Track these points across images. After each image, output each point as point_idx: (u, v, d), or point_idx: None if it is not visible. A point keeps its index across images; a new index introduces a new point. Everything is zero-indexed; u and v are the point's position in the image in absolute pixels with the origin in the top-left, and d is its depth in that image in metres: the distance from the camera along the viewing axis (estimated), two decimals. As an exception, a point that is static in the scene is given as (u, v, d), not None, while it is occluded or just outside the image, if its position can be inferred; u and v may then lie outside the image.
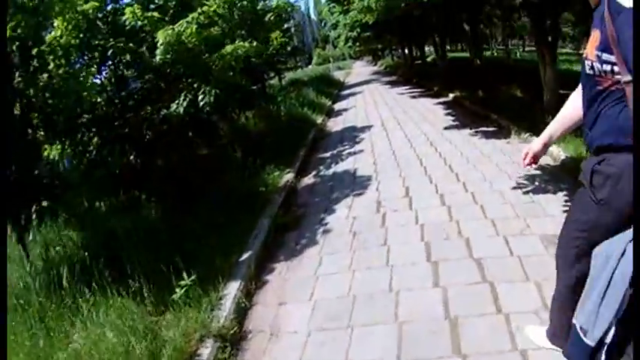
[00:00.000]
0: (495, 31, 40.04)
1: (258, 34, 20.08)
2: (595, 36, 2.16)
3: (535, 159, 2.84)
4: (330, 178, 8.17)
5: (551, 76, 9.70)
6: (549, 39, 9.96)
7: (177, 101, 8.04)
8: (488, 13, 21.58)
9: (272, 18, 20.75)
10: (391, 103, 17.53)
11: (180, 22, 7.83)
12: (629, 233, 1.99)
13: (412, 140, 9.99)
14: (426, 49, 35.23)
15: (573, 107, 2.65)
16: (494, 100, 12.42)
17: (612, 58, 2.05)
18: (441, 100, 16.35)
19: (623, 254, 1.97)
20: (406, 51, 37.41)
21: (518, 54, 44.13)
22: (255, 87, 21.25)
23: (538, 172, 6.59)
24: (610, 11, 2.01)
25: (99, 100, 7.34)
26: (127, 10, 7.65)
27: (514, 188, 6.14)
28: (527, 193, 5.93)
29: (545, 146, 2.81)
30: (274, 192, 7.30)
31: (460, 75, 18.32)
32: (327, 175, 8.45)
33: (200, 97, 8.13)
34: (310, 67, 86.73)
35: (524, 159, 2.84)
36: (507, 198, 5.81)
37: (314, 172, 8.80)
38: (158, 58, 7.56)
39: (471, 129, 10.31)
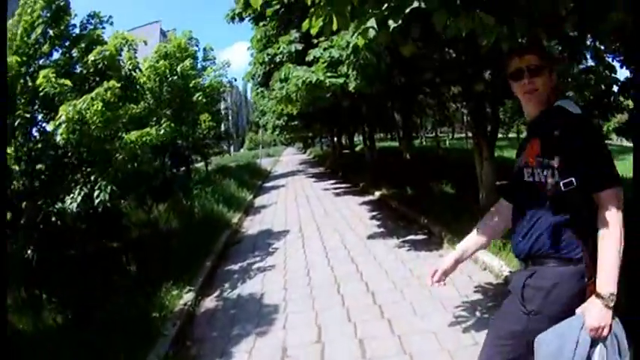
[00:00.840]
0: (425, 120, 40.53)
1: (186, 115, 19.23)
2: (534, 144, 2.40)
3: (444, 276, 2.82)
4: (234, 304, 6.87)
5: (489, 171, 8.99)
6: (488, 130, 9.31)
7: (72, 195, 7.24)
8: (421, 102, 21.35)
9: (201, 98, 20.04)
10: (314, 201, 16.48)
11: (84, 97, 7.14)
12: (574, 320, 2.18)
13: (331, 255, 8.75)
14: (356, 138, 35.10)
15: (492, 224, 2.84)
16: (424, 198, 11.59)
17: (554, 163, 2.26)
18: (367, 198, 15.49)
19: (577, 342, 2.13)
20: (335, 139, 37.22)
21: (447, 142, 44.87)
22: (177, 171, 20.21)
23: (479, 296, 5.74)
24: (559, 120, 2.31)
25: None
26: (42, 73, 7.17)
27: (452, 324, 5.10)
28: (467, 330, 4.91)
29: (457, 262, 2.83)
30: (169, 319, 6.09)
31: (388, 168, 17.74)
32: (231, 299, 7.13)
33: (96, 194, 7.18)
34: (242, 150, 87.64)
35: (432, 276, 2.81)
36: (444, 341, 4.74)
37: (218, 292, 7.53)
38: (59, 137, 6.89)
39: (398, 238, 9.35)
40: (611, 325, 2.15)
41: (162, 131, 8.35)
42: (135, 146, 7.78)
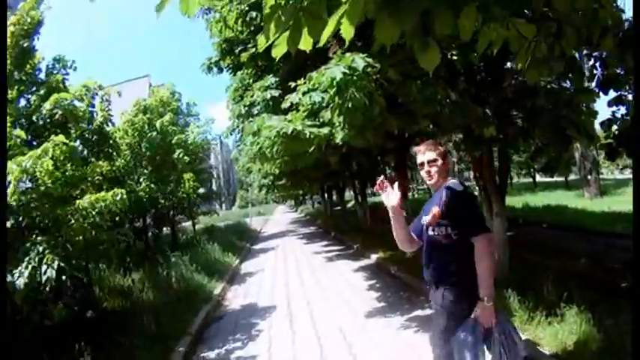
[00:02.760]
0: (416, 174, 39.55)
1: (167, 173, 18.10)
2: (435, 211, 3.62)
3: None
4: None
5: (500, 228, 8.04)
6: (497, 182, 8.27)
7: (19, 267, 6.21)
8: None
9: (182, 156, 18.92)
10: (304, 268, 14.96)
11: (30, 152, 6.44)
12: (470, 320, 3.47)
13: (323, 342, 7.21)
14: (347, 193, 34.10)
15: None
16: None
17: (447, 223, 3.58)
18: (363, 263, 14.19)
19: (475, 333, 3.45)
20: (326, 196, 36.25)
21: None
22: (159, 232, 18.89)
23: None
24: (447, 194, 3.62)
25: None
26: None
27: None
28: None
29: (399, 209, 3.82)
30: None
31: (383, 226, 15.96)
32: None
33: (43, 269, 6.21)
34: (233, 209, 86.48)
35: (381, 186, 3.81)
36: None
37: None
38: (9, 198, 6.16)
39: (402, 315, 8.06)
40: (497, 317, 3.44)
41: (118, 196, 7.25)
42: (88, 212, 6.76)
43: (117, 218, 13.88)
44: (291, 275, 13.78)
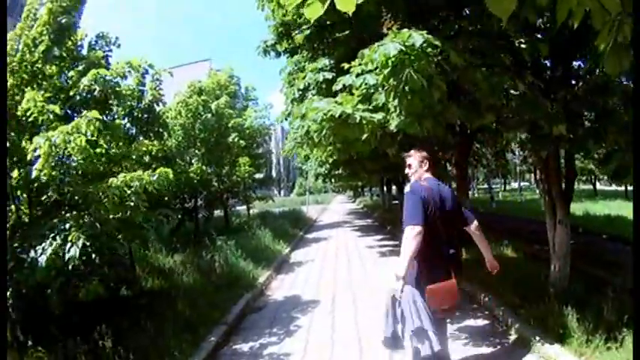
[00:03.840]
0: (477, 171, 38.39)
1: (221, 156, 17.79)
2: None
3: None
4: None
5: (563, 238, 7.28)
6: (562, 186, 7.51)
7: (43, 244, 5.85)
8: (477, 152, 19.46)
9: (237, 139, 18.61)
10: (355, 262, 14.31)
11: (61, 128, 6.06)
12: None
13: (365, 349, 6.52)
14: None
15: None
16: (482, 265, 9.41)
17: None
18: (416, 262, 13.26)
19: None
20: (385, 189, 35.51)
21: (500, 194, 42.71)
22: (210, 215, 18.57)
23: None
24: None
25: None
26: (27, 95, 6.46)
27: None
28: None
29: None
30: None
31: None
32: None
33: (67, 247, 5.81)
34: (292, 195, 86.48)
35: None
36: None
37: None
38: (34, 172, 5.92)
39: (452, 323, 7.19)
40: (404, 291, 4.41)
41: (155, 176, 6.80)
42: (122, 191, 6.37)
43: (165, 198, 13.72)
44: (341, 269, 13.17)
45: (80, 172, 6.55)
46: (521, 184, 53.50)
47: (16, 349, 5.84)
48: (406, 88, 5.20)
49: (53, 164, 5.97)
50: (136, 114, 10.70)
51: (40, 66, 7.42)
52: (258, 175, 24.41)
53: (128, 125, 10.30)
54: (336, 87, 6.75)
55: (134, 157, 8.97)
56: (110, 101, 8.30)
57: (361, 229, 25.36)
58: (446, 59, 5.56)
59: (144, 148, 9.73)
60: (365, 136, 6.68)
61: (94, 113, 6.25)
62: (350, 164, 20.88)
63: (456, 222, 4.93)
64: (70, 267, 5.80)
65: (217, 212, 21.71)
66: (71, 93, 7.61)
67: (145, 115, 10.58)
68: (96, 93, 7.57)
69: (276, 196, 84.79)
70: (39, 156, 5.89)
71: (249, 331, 7.76)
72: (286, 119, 14.03)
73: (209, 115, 17.65)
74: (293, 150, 8.28)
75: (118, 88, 8.22)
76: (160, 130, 11.42)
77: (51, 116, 6.53)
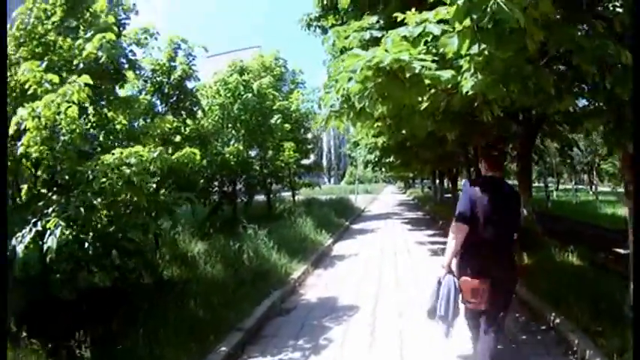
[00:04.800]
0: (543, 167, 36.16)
1: (263, 139, 16.66)
2: None
3: None
4: None
5: None
6: None
7: (22, 231, 5.04)
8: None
9: (280, 122, 17.49)
10: (402, 260, 12.71)
11: (46, 97, 5.29)
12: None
13: None
14: (460, 182, 31.78)
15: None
16: (546, 273, 8.00)
17: None
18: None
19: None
20: (437, 181, 33.93)
21: (554, 194, 40.80)
22: (250, 200, 17.47)
23: None
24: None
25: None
26: (23, 65, 5.77)
27: None
28: None
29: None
30: None
31: None
32: None
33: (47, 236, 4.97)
34: (342, 184, 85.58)
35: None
36: None
37: None
38: (20, 149, 5.27)
39: (518, 348, 5.85)
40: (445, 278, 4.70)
41: (156, 153, 5.80)
42: (122, 171, 5.40)
43: (200, 180, 12.73)
44: (387, 267, 11.60)
45: (76, 149, 5.64)
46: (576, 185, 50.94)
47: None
48: (489, 26, 3.50)
49: (39, 139, 5.22)
50: (166, 90, 10.51)
51: (52, 38, 6.70)
52: (305, 161, 23.85)
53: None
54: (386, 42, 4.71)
55: (154, 133, 7.80)
56: (124, 71, 7.47)
57: (411, 222, 23.69)
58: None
59: (166, 125, 8.61)
60: (424, 104, 5.29)
61: (85, 78, 5.43)
62: (402, 152, 19.51)
63: (509, 227, 4.79)
64: (49, 257, 5.13)
65: (261, 197, 21.03)
66: (75, 62, 6.64)
67: (175, 92, 10.47)
68: (103, 60, 6.54)
69: (325, 183, 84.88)
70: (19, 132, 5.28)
71: (270, 341, 6.44)
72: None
73: (250, 95, 16.54)
74: (327, 122, 6.02)
75: (132, 57, 7.53)
76: (193, 107, 10.51)
77: (49, 86, 5.63)
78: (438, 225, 20.41)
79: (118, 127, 7.63)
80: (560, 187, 52.70)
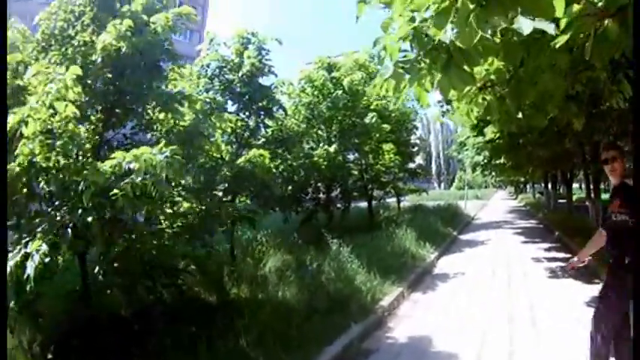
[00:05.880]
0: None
1: (361, 141, 15.33)
2: (616, 201, 4.44)
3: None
4: None
5: None
6: None
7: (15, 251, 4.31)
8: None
9: (375, 120, 16.05)
10: (516, 282, 10.43)
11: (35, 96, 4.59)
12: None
13: None
14: (575, 185, 29.07)
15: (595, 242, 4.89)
16: None
17: (626, 211, 4.27)
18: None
19: None
20: (549, 186, 31.12)
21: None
22: (348, 207, 16.15)
23: None
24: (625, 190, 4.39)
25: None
26: (33, 69, 4.96)
27: None
28: None
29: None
30: None
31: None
32: None
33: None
34: (451, 189, 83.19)
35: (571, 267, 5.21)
36: None
37: None
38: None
39: None
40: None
41: (164, 155, 4.44)
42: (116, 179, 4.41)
43: (288, 186, 11.71)
44: (498, 293, 9.50)
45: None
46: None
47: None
48: None
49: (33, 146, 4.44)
50: (239, 89, 9.83)
51: (85, 38, 6.04)
52: (409, 165, 22.93)
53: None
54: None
55: (208, 133, 7.07)
56: (163, 65, 6.71)
57: (524, 232, 21.08)
58: None
59: (228, 125, 8.68)
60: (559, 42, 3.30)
61: (74, 69, 4.63)
62: (513, 151, 17.38)
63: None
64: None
65: (365, 204, 19.97)
66: (93, 57, 5.77)
67: (246, 89, 9.79)
68: (125, 50, 5.62)
69: (434, 189, 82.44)
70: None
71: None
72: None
73: (340, 93, 15.11)
74: (391, 87, 4.03)
75: (170, 47, 6.49)
76: (270, 106, 10.26)
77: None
78: (554, 237, 17.87)
79: (165, 127, 6.45)
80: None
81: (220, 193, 8.67)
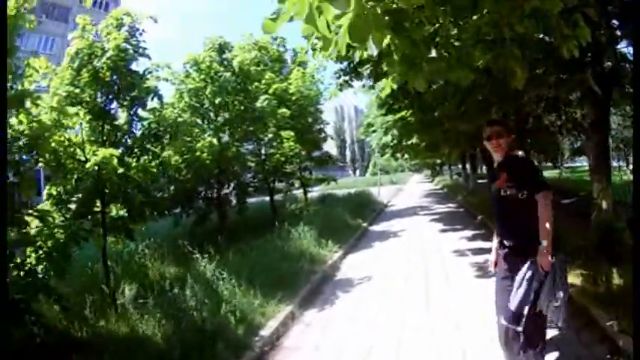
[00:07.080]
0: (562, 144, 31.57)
1: (255, 128, 13.56)
2: (503, 176, 4.31)
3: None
4: None
5: None
6: None
7: None
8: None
9: (269, 105, 14.30)
10: (436, 286, 8.50)
11: None
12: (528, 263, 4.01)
13: None
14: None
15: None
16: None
17: (514, 184, 4.18)
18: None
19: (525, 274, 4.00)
20: (467, 166, 30.28)
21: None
22: (243, 203, 14.95)
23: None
24: (514, 162, 4.35)
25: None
26: None
27: None
28: None
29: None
30: None
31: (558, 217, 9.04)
32: None
33: None
34: (367, 175, 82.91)
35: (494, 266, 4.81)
36: None
37: None
38: None
39: None
40: (553, 264, 3.91)
41: None
42: None
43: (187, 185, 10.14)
44: (413, 303, 7.61)
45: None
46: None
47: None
48: None
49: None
50: (101, 75, 8.30)
51: None
52: (315, 153, 21.74)
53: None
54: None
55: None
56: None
57: (442, 218, 19.53)
58: None
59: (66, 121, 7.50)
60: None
61: None
62: (426, 130, 15.94)
63: None
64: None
65: (267, 198, 18.41)
66: None
67: (113, 77, 8.39)
68: None
69: (349, 176, 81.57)
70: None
71: None
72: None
73: (228, 75, 13.18)
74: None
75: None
76: (142, 95, 8.75)
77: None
78: (476, 222, 16.38)
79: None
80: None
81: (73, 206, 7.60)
